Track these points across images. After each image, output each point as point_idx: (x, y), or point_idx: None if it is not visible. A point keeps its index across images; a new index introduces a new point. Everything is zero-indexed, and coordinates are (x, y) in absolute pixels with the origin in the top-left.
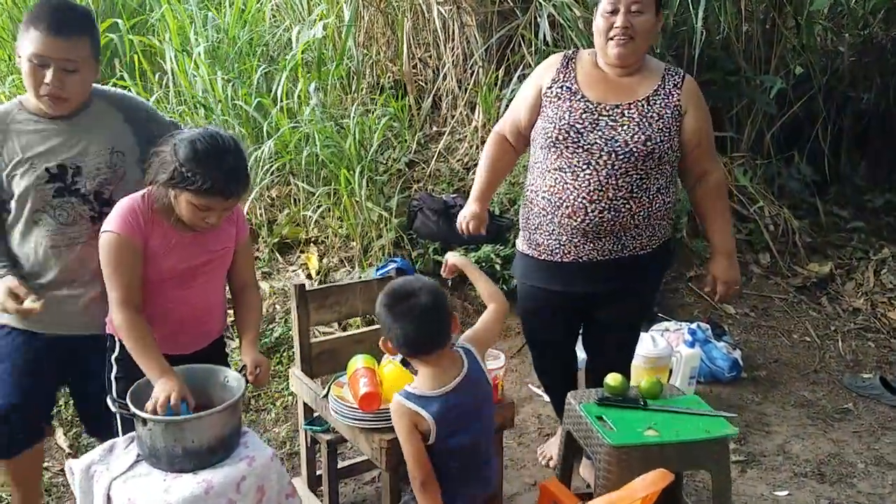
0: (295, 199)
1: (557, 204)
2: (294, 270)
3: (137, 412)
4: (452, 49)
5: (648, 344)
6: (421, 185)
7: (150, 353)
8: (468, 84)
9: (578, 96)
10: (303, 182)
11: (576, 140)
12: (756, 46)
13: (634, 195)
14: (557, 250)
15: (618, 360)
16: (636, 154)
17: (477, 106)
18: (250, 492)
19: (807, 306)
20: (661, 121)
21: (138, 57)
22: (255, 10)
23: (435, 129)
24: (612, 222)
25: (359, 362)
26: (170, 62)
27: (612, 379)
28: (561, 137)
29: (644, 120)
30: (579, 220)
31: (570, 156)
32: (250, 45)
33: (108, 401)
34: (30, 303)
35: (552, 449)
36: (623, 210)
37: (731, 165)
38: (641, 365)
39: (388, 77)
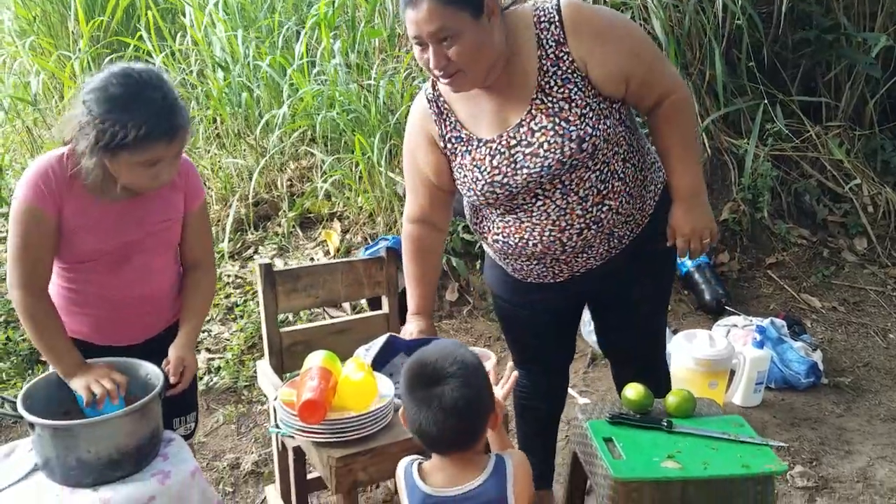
0: (321, 170)
1: (521, 245)
2: (313, 247)
3: (25, 414)
4: None
5: (704, 344)
6: None
7: (58, 344)
8: None
9: (474, 143)
10: (321, 152)
11: (507, 193)
12: None
13: (604, 191)
14: (544, 273)
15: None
16: (579, 161)
17: None
18: None
19: None
20: (575, 105)
21: (153, 14)
22: None
23: None
24: (597, 232)
25: (315, 360)
26: (189, 18)
27: (633, 391)
28: (491, 201)
29: (558, 120)
30: (558, 251)
31: (510, 203)
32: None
33: None
34: None
35: None
36: (604, 213)
37: (825, 137)
38: (694, 368)
39: None
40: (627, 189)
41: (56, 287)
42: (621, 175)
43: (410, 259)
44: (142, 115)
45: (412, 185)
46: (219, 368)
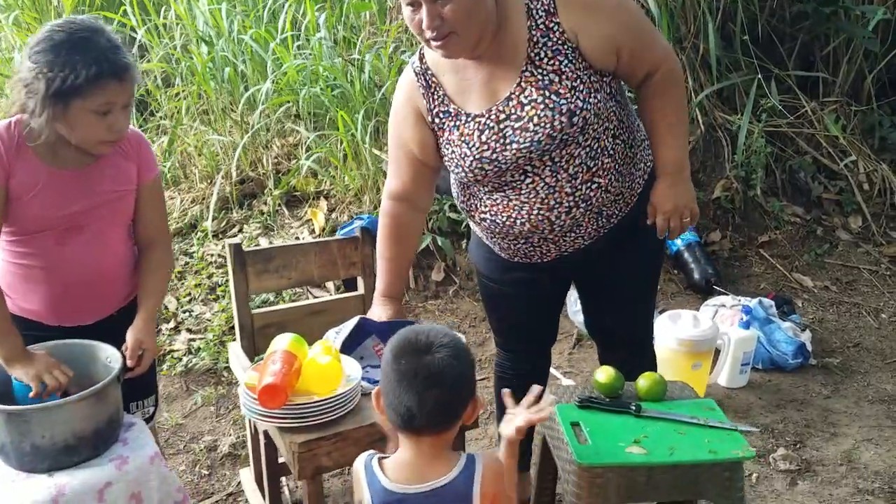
0: (307, 148)
1: (509, 223)
2: (299, 226)
3: None
4: None
5: (688, 324)
6: None
7: (1, 323)
8: None
9: (462, 118)
10: (306, 128)
11: (496, 169)
12: None
13: (594, 168)
14: (531, 252)
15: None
16: (570, 136)
17: None
18: (118, 501)
19: None
20: (566, 77)
21: None
22: None
23: None
24: (586, 210)
25: (280, 343)
26: None
27: (604, 374)
28: (479, 178)
29: (548, 93)
30: (546, 230)
31: (498, 180)
32: None
33: None
34: None
35: None
36: (593, 191)
37: (821, 112)
38: (677, 348)
39: None
40: (617, 166)
41: (5, 264)
42: (611, 152)
43: (386, 238)
44: (91, 55)
45: (395, 160)
46: (199, 349)
